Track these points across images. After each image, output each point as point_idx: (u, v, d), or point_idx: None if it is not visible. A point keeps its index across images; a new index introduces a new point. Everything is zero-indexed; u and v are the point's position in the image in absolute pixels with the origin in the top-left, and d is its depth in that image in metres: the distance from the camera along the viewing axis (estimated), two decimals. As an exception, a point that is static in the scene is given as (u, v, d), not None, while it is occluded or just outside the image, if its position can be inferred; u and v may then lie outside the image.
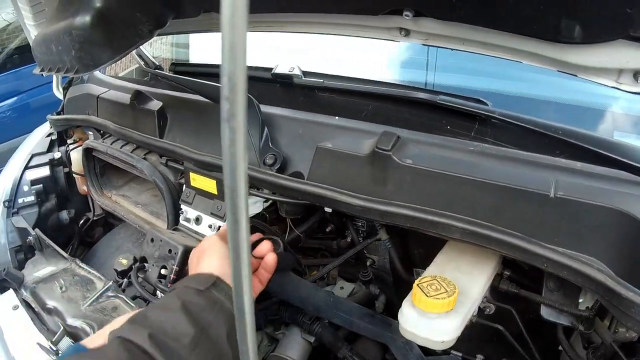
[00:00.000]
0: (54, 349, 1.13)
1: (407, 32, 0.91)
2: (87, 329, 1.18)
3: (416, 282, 0.88)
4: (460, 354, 1.09)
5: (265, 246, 1.00)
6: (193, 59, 2.40)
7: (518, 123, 0.93)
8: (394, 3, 0.86)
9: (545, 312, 0.94)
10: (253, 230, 1.18)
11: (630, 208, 0.78)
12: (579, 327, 0.91)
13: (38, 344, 1.22)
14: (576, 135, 0.91)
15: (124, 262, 1.33)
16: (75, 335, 1.16)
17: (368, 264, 1.25)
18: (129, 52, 1.22)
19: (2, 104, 4.98)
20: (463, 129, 1.01)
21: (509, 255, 0.83)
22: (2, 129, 4.75)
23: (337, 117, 1.10)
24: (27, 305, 1.47)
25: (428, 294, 0.85)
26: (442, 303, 0.84)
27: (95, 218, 1.99)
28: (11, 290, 1.53)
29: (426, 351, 1.10)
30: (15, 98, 5.02)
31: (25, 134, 2.32)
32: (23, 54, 4.54)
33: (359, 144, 0.95)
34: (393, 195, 0.90)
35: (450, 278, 0.93)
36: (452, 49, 0.88)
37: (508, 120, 0.94)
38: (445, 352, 1.11)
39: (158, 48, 2.40)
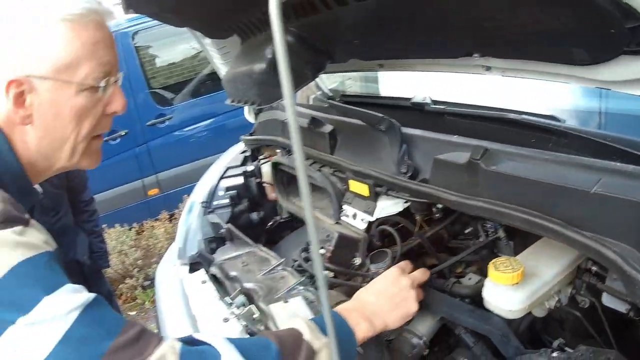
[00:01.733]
0: (230, 302, 1.61)
1: (488, 68, 1.32)
2: (258, 290, 1.66)
3: (492, 261, 1.24)
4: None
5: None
6: (383, 92, 3.02)
7: (582, 135, 1.29)
8: (465, 49, 1.29)
9: (606, 299, 1.20)
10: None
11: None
12: (630, 314, 1.15)
13: (219, 298, 1.72)
14: (628, 143, 1.22)
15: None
16: (248, 294, 1.64)
17: (500, 261, 1.65)
18: (298, 89, 1.79)
19: (198, 125, 6.03)
20: (544, 141, 1.39)
21: (555, 239, 1.15)
22: (199, 147, 5.77)
23: (455, 136, 1.53)
24: (214, 279, 1.94)
25: (497, 269, 1.21)
26: (507, 276, 1.19)
27: (282, 220, 2.54)
28: (202, 270, 2.03)
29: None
30: (211, 120, 5.97)
31: (220, 152, 3.03)
32: (215, 81, 5.77)
33: (461, 155, 1.38)
34: (481, 194, 1.30)
35: (530, 264, 1.25)
36: (522, 78, 1.28)
37: (575, 133, 1.31)
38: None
39: (348, 83, 3.13)
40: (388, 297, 1.37)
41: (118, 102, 1.20)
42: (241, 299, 1.65)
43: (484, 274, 1.55)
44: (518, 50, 1.22)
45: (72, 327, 0.94)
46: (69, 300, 0.95)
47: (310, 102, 2.84)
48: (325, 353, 1.13)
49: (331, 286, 1.74)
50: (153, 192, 6.17)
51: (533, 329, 1.51)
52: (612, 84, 1.12)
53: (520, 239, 1.49)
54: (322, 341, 1.14)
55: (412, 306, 1.40)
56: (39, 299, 0.92)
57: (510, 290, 1.22)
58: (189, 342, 1.06)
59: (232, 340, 1.06)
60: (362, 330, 1.27)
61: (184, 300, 1.98)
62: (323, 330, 1.16)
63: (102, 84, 1.13)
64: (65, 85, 1.09)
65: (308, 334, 1.14)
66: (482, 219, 1.51)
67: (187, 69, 6.44)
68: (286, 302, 1.59)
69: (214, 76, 4.71)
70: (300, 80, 1.75)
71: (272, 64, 1.63)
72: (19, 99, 1.08)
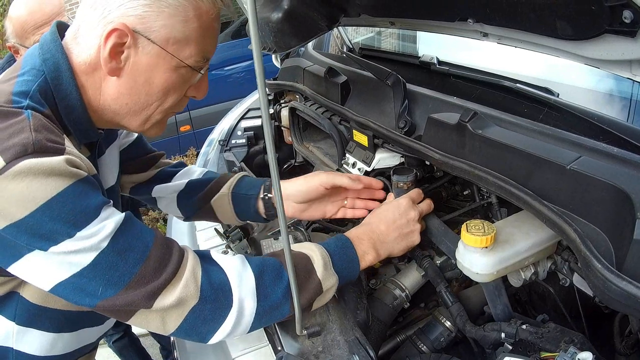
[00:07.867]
0: (228, 235, 1.68)
1: (485, 35, 1.30)
2: (254, 225, 1.75)
3: (466, 222, 1.22)
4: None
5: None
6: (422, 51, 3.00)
7: (573, 112, 1.27)
8: (459, 14, 1.28)
9: (577, 280, 1.21)
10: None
11: (630, 188, 0.95)
12: (596, 299, 1.15)
13: (215, 229, 1.81)
14: (621, 127, 1.19)
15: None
16: (244, 228, 1.70)
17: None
18: (312, 40, 1.83)
19: (237, 65, 6.04)
20: (536, 112, 1.38)
21: (526, 210, 1.14)
22: (237, 87, 5.73)
23: (455, 97, 1.53)
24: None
25: (468, 231, 1.19)
26: (476, 239, 1.17)
27: (296, 164, 2.62)
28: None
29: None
30: (248, 62, 5.93)
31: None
32: (256, 24, 5.54)
33: (453, 116, 1.37)
34: (467, 155, 1.30)
35: (508, 231, 1.24)
36: (516, 47, 1.26)
37: (567, 108, 1.29)
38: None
39: (385, 40, 3.11)
40: (397, 228, 1.42)
41: (202, 89, 1.24)
42: (238, 233, 1.71)
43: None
44: (507, 18, 1.19)
45: (100, 255, 1.00)
46: (99, 232, 1.00)
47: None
48: (331, 291, 1.26)
49: (324, 230, 1.87)
50: (185, 128, 6.27)
51: (520, 302, 1.53)
52: (599, 63, 1.08)
53: (514, 206, 1.46)
54: (332, 281, 1.26)
55: (417, 239, 1.45)
56: (72, 234, 0.97)
57: (479, 253, 1.22)
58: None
59: (250, 261, 1.17)
60: (367, 260, 1.35)
61: (191, 230, 2.11)
62: (335, 264, 1.27)
63: (199, 69, 1.17)
64: (168, 57, 1.11)
65: (321, 271, 1.23)
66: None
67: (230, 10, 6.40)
68: (276, 239, 1.66)
69: (258, 19, 4.72)
70: (314, 30, 1.80)
71: (287, 14, 1.68)
72: (117, 49, 1.08)
